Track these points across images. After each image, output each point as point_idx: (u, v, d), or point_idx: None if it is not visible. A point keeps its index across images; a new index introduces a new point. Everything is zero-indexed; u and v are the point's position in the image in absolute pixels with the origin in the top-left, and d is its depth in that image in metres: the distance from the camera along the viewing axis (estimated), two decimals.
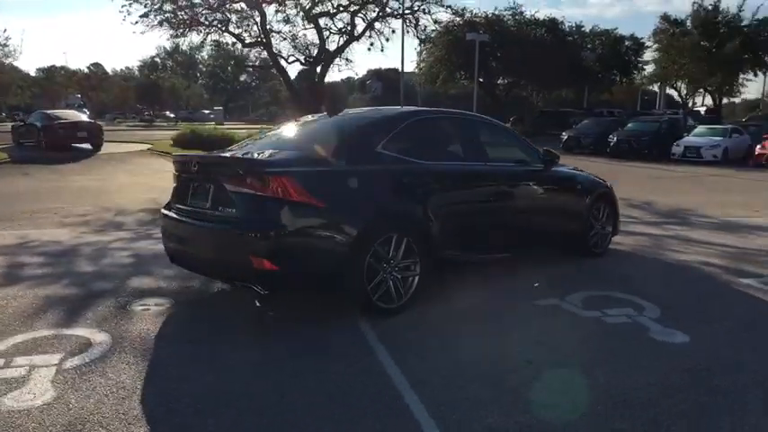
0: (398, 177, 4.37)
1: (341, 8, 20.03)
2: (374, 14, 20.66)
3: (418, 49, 39.01)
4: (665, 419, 2.82)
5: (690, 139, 21.43)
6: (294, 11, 20.18)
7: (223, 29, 20.24)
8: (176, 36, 20.24)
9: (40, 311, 4.30)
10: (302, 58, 21.81)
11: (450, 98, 47.37)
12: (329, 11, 20.14)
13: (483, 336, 3.97)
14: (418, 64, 42.15)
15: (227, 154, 4.81)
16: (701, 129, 22.44)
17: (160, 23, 19.23)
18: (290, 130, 5.24)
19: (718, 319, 4.33)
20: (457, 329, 4.06)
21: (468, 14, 36.65)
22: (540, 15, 44.64)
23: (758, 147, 20.01)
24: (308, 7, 19.78)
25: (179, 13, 19.18)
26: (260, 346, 3.73)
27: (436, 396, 3.02)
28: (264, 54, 22.43)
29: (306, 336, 3.89)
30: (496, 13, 38.77)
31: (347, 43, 21.04)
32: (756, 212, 9.71)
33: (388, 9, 20.97)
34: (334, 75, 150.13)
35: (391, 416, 2.83)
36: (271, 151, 4.38)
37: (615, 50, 44.14)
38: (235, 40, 21.26)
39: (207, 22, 19.73)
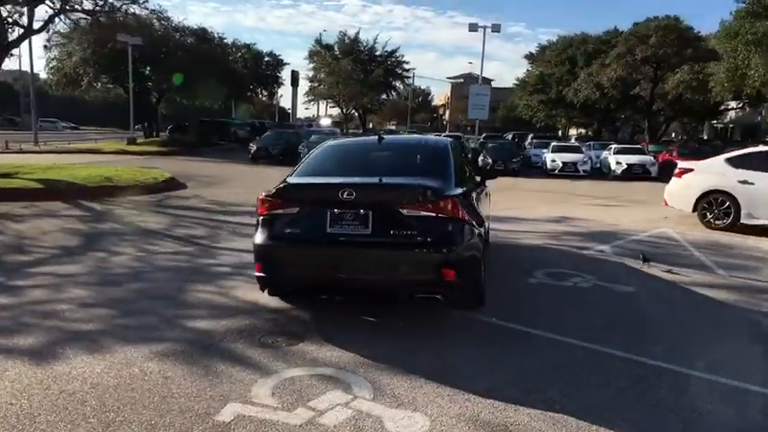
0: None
1: None
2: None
3: (50, 45, 34.09)
4: None
5: None
6: None
7: None
8: None
9: None
10: None
11: (94, 103, 42.93)
12: None
13: None
14: (48, 63, 36.87)
15: (393, 180, 4.97)
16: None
17: None
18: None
19: None
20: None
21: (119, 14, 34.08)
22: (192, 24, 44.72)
23: None
24: None
25: None
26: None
27: None
28: None
29: (473, 328, 4.81)
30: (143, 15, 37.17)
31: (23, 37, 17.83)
32: None
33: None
34: None
35: None
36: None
37: (257, 65, 47.81)
38: None
39: None
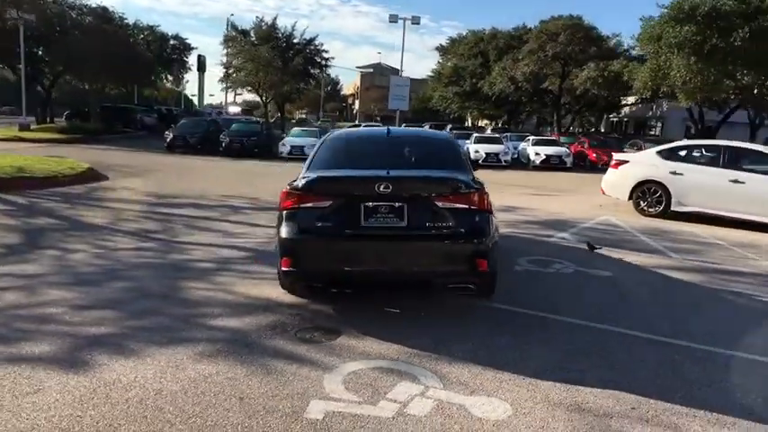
0: None
1: None
2: None
3: None
4: None
5: (293, 140, 25.64)
6: None
7: None
8: None
9: None
10: None
11: None
12: None
13: None
14: None
15: (429, 173, 5.04)
16: (297, 131, 27.06)
17: None
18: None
19: None
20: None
21: None
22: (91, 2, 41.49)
23: None
24: None
25: None
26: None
27: None
28: None
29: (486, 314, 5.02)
30: None
31: None
32: None
33: None
34: None
35: None
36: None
37: (162, 48, 45.39)
38: None
39: None
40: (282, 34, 34.93)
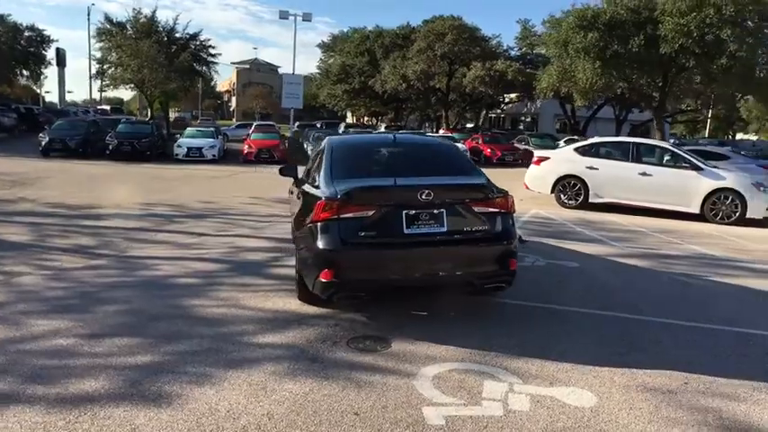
0: None
1: None
2: None
3: None
4: None
5: (189, 141, 24.50)
6: None
7: None
8: None
9: None
10: None
11: None
12: None
13: None
14: None
15: (466, 180, 5.27)
16: (191, 131, 25.82)
17: None
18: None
19: None
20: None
21: None
22: None
23: (246, 146, 25.25)
24: None
25: None
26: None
27: None
28: None
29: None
30: None
31: None
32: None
33: None
34: None
35: None
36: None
37: (15, 40, 41.00)
38: None
39: None
40: (163, 28, 33.01)
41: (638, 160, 12.36)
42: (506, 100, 45.01)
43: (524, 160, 20.84)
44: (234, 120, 68.41)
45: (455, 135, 31.81)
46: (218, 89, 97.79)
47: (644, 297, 6.17)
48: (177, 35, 33.58)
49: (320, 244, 4.69)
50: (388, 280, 4.79)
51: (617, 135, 30.20)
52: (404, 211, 4.70)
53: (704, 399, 3.79)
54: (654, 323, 5.30)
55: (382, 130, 33.67)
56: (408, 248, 4.74)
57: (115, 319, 4.98)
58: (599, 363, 4.27)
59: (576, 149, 13.11)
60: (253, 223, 10.23)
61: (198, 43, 34.02)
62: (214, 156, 24.22)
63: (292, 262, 6.46)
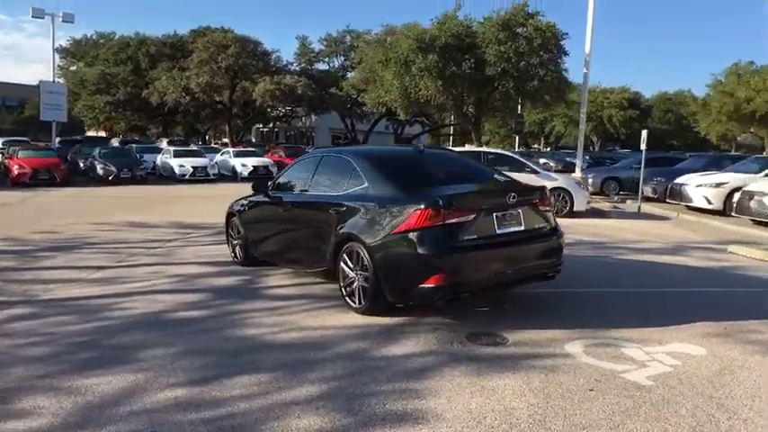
0: None
1: None
2: None
3: None
4: None
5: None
6: None
7: None
8: None
9: None
10: None
11: None
12: None
13: None
14: None
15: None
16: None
17: None
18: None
19: None
20: None
21: None
22: None
23: (15, 167, 21.61)
24: None
25: None
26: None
27: None
28: None
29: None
30: None
31: None
32: None
33: None
34: None
35: None
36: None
37: None
38: None
39: None
40: None
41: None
42: (295, 114, 45.93)
43: None
44: None
45: (255, 149, 31.45)
46: None
47: (650, 280, 7.58)
48: None
49: (425, 250, 4.92)
50: (489, 278, 5.23)
51: (395, 145, 33.36)
52: (495, 214, 5.22)
53: (753, 335, 5.13)
54: (672, 292, 6.81)
55: (164, 145, 31.36)
56: (501, 247, 5.27)
57: (203, 360, 4.45)
58: (682, 322, 5.36)
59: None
60: (144, 250, 9.06)
61: None
62: None
63: (282, 280, 6.89)
